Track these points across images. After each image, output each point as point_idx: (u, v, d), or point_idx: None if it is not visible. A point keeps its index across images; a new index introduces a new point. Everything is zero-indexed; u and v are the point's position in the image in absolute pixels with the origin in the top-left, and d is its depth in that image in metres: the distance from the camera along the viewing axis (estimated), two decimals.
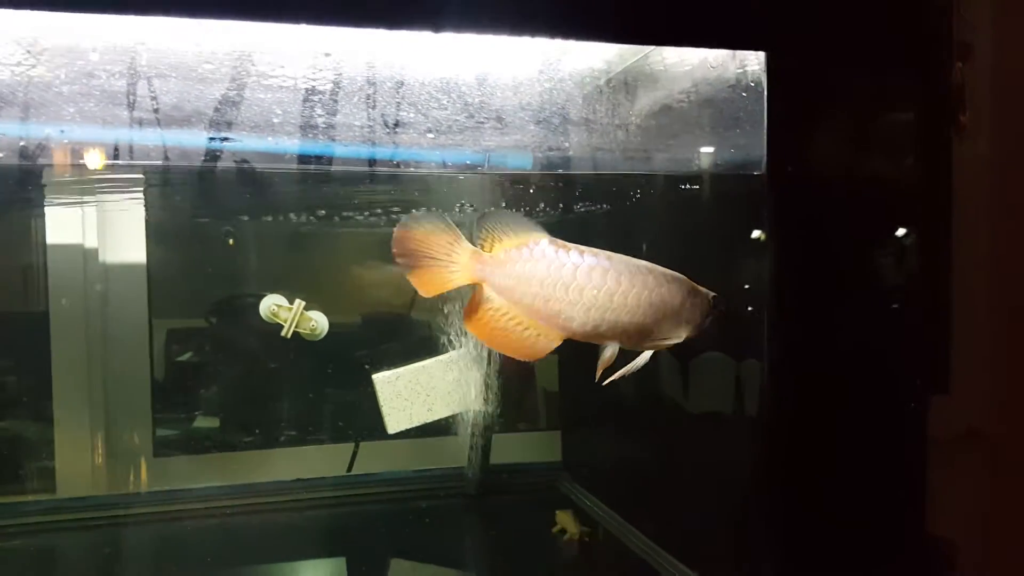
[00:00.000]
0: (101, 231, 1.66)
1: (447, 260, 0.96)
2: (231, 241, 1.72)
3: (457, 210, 1.53)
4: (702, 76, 1.37)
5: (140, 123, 1.31)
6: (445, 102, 1.31)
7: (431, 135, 1.33)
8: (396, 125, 1.31)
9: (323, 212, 1.66)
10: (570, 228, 1.80)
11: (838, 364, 1.14)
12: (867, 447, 1.17)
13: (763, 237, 1.30)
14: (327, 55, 1.19)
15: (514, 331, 0.98)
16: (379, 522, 1.74)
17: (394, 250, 0.96)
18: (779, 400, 1.13)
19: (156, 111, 1.28)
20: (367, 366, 1.70)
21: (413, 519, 1.74)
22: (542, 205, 1.56)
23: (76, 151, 1.41)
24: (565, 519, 1.65)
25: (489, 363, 1.73)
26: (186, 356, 1.85)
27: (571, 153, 1.52)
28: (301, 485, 1.79)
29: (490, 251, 0.96)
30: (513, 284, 0.97)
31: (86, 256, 1.66)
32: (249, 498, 1.75)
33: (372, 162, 1.40)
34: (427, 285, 0.97)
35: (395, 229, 0.96)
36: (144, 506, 1.69)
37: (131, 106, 1.27)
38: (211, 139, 1.34)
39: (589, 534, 1.64)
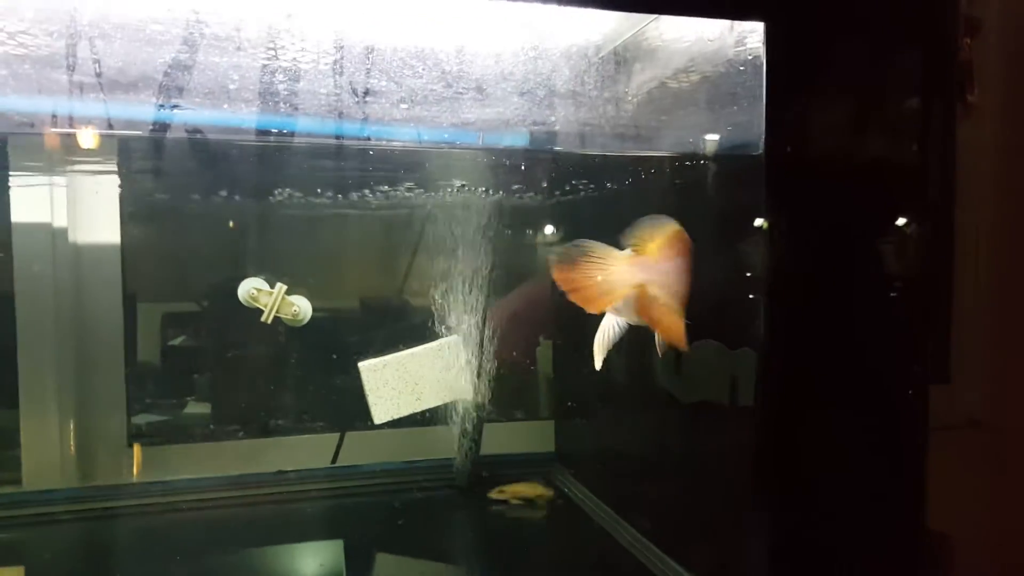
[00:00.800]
0: (71, 209, 1.66)
1: (607, 275, 1.07)
2: (231, 223, 1.72)
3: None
4: (699, 51, 1.38)
5: (111, 91, 1.31)
6: (421, 69, 1.31)
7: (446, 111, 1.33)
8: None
9: (307, 190, 1.66)
10: (561, 210, 1.82)
11: (837, 352, 1.15)
12: (865, 438, 1.18)
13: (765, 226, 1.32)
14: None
15: (668, 316, 1.10)
16: (364, 516, 1.74)
17: (563, 287, 1.07)
18: (776, 390, 1.14)
19: (112, 79, 1.27)
20: (334, 356, 1.72)
21: (400, 512, 1.75)
22: (544, 185, 1.58)
23: (48, 123, 1.40)
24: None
25: (481, 350, 1.74)
26: (166, 342, 1.85)
27: (559, 129, 1.53)
28: (282, 478, 1.80)
29: (643, 252, 1.08)
30: (668, 279, 1.09)
31: (55, 236, 1.65)
32: (227, 491, 1.75)
33: (350, 138, 1.40)
34: (596, 304, 1.08)
35: (554, 270, 1.08)
36: (115, 499, 1.69)
37: (97, 74, 1.26)
38: (174, 107, 1.33)
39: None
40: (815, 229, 1.15)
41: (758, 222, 1.36)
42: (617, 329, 1.16)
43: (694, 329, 1.19)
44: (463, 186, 1.57)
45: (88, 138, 1.47)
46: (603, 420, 1.81)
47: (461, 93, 1.37)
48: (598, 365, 1.17)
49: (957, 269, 1.26)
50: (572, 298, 1.08)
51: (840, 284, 1.16)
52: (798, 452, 1.15)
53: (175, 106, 1.27)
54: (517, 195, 1.66)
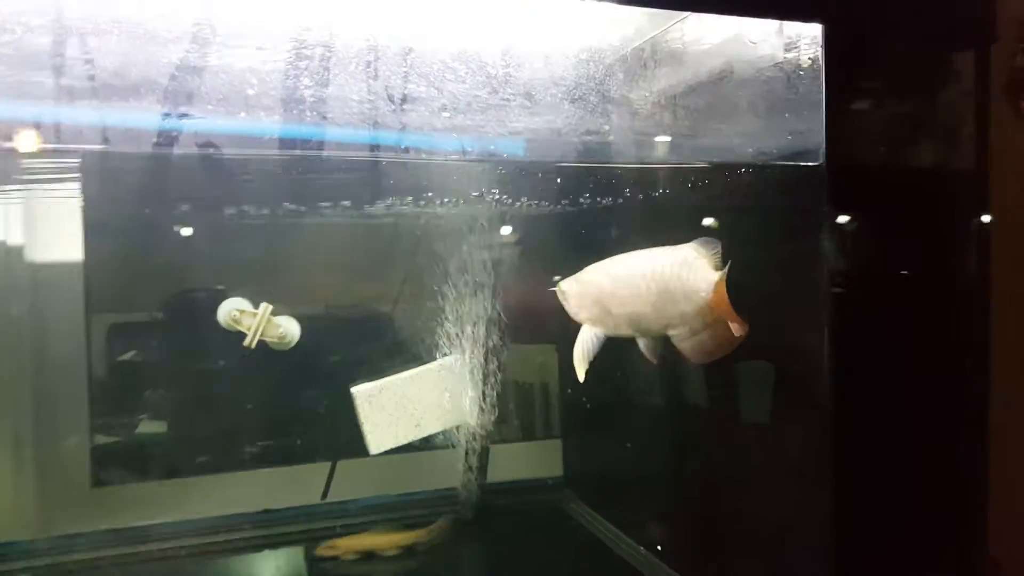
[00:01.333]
0: (28, 227, 1.51)
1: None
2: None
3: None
4: (735, 53, 1.34)
5: (75, 96, 1.17)
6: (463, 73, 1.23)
7: (446, 114, 1.24)
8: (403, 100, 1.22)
9: (303, 203, 1.56)
10: (575, 222, 1.75)
11: (899, 364, 1.15)
12: (929, 454, 1.17)
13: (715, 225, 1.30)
14: None
15: None
16: (360, 559, 1.63)
17: (727, 312, 1.05)
18: (836, 406, 1.12)
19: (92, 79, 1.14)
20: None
21: (401, 553, 1.65)
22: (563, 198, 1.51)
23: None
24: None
25: (486, 369, 1.66)
26: (128, 356, 1.71)
27: (582, 139, 1.46)
28: (270, 517, 1.69)
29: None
30: None
31: (9, 255, 1.51)
32: (207, 536, 1.63)
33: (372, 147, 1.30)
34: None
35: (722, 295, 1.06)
36: (80, 551, 1.55)
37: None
38: (165, 116, 1.21)
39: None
40: (878, 236, 1.13)
41: (707, 221, 1.34)
42: (596, 340, 1.14)
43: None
44: (478, 196, 1.49)
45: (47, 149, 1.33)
46: (617, 440, 1.76)
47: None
48: (581, 377, 1.14)
49: (994, 272, 1.26)
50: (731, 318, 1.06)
51: (909, 307, 1.14)
52: (856, 465, 1.13)
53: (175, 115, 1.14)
54: (531, 205, 1.59)
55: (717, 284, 1.05)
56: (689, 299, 1.07)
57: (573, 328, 1.16)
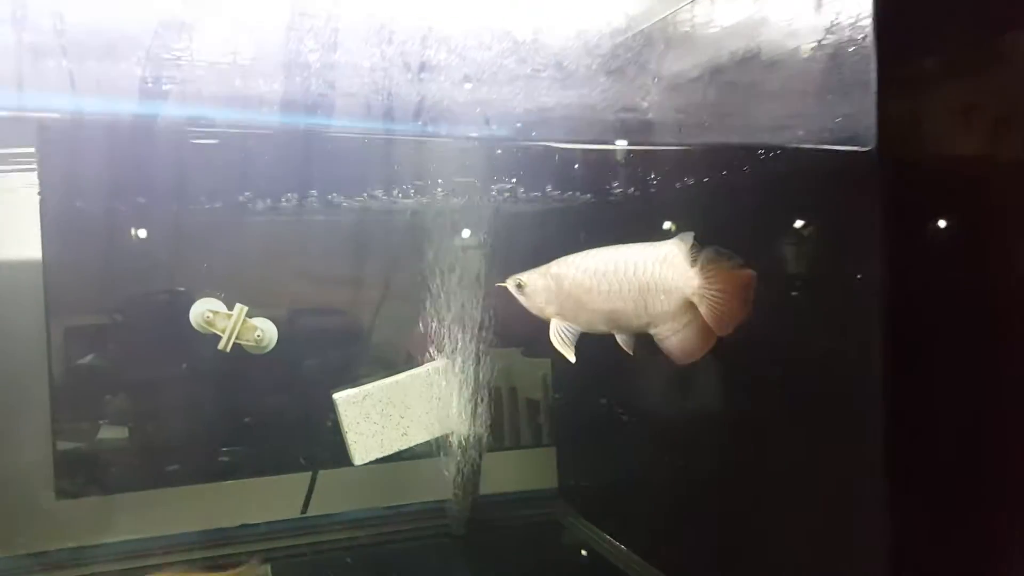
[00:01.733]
0: None
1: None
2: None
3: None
4: (766, 33, 1.27)
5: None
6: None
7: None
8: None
9: (288, 192, 1.48)
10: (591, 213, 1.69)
11: (966, 373, 1.07)
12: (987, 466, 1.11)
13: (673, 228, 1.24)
14: None
15: None
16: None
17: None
18: (895, 410, 1.07)
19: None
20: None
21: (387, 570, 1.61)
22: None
23: None
24: None
25: (476, 373, 1.60)
26: (88, 361, 1.63)
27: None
28: (248, 533, 1.62)
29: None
30: None
31: None
32: (180, 553, 1.56)
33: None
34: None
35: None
36: (45, 571, 1.48)
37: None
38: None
39: None
40: (935, 233, 1.07)
41: (666, 225, 1.28)
42: (571, 332, 1.17)
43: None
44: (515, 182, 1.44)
45: None
46: (616, 446, 1.70)
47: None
48: (571, 359, 1.16)
49: None
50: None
51: (968, 295, 1.06)
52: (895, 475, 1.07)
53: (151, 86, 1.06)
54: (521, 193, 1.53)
55: (747, 283, 1.05)
56: (670, 296, 1.08)
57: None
